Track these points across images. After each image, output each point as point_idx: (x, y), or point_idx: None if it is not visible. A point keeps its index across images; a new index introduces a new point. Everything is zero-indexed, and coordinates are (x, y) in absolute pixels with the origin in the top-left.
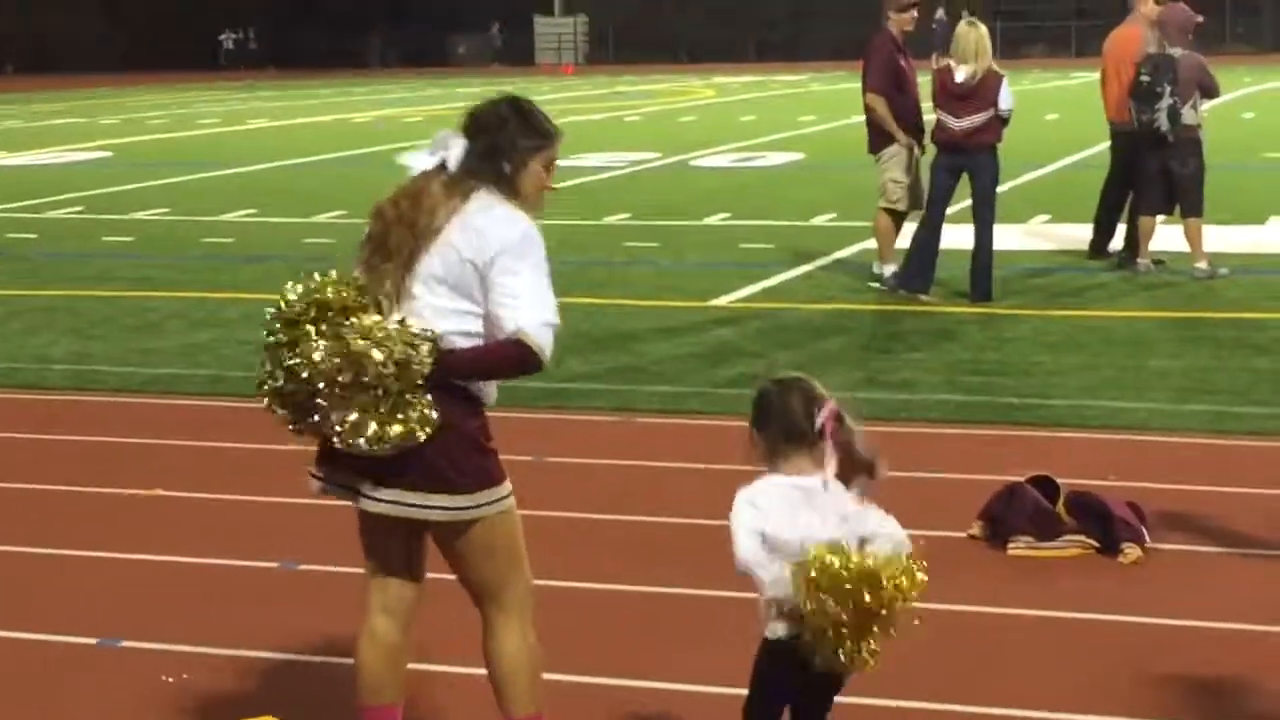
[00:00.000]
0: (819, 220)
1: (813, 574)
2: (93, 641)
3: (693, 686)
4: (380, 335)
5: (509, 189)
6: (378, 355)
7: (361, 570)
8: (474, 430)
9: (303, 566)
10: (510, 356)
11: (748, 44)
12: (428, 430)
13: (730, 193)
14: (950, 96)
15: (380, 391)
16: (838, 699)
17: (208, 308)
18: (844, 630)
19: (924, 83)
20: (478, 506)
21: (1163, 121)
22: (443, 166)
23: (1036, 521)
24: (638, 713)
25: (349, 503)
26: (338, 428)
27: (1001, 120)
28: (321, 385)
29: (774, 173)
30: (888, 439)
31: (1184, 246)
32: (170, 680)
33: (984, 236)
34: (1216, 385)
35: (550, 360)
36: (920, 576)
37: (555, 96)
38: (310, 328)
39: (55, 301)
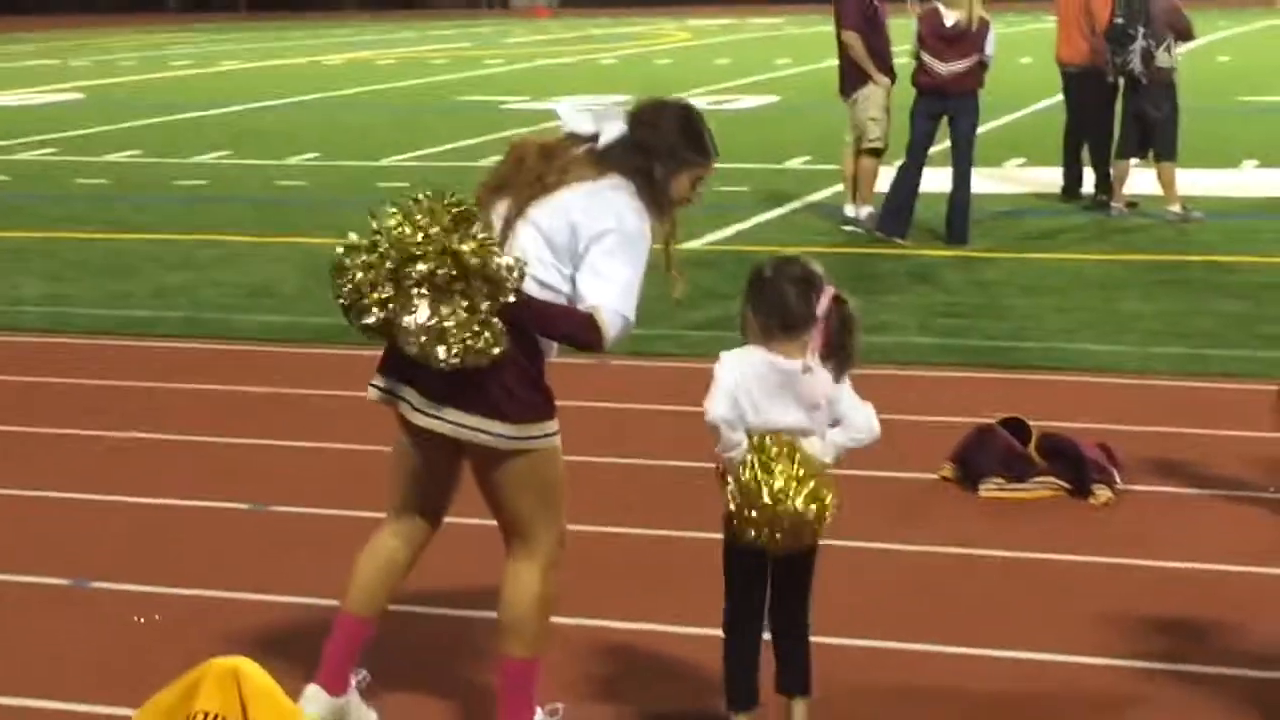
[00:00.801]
0: (793, 163)
1: (746, 477)
2: (65, 582)
3: (663, 626)
4: (486, 246)
5: (649, 188)
6: (475, 261)
7: (331, 511)
8: (534, 368)
9: (273, 508)
10: (577, 323)
11: None
12: (496, 352)
13: None
14: (939, 40)
15: (466, 301)
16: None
17: (181, 250)
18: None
19: (900, 24)
20: (524, 438)
21: (1136, 64)
22: (594, 137)
23: (1008, 463)
24: (605, 653)
25: (402, 414)
26: (418, 329)
27: (984, 66)
28: (421, 269)
29: (748, 115)
30: (861, 381)
31: (1158, 190)
32: (141, 621)
33: (962, 180)
34: (1188, 328)
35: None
36: (827, 503)
37: (530, 39)
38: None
39: (28, 244)
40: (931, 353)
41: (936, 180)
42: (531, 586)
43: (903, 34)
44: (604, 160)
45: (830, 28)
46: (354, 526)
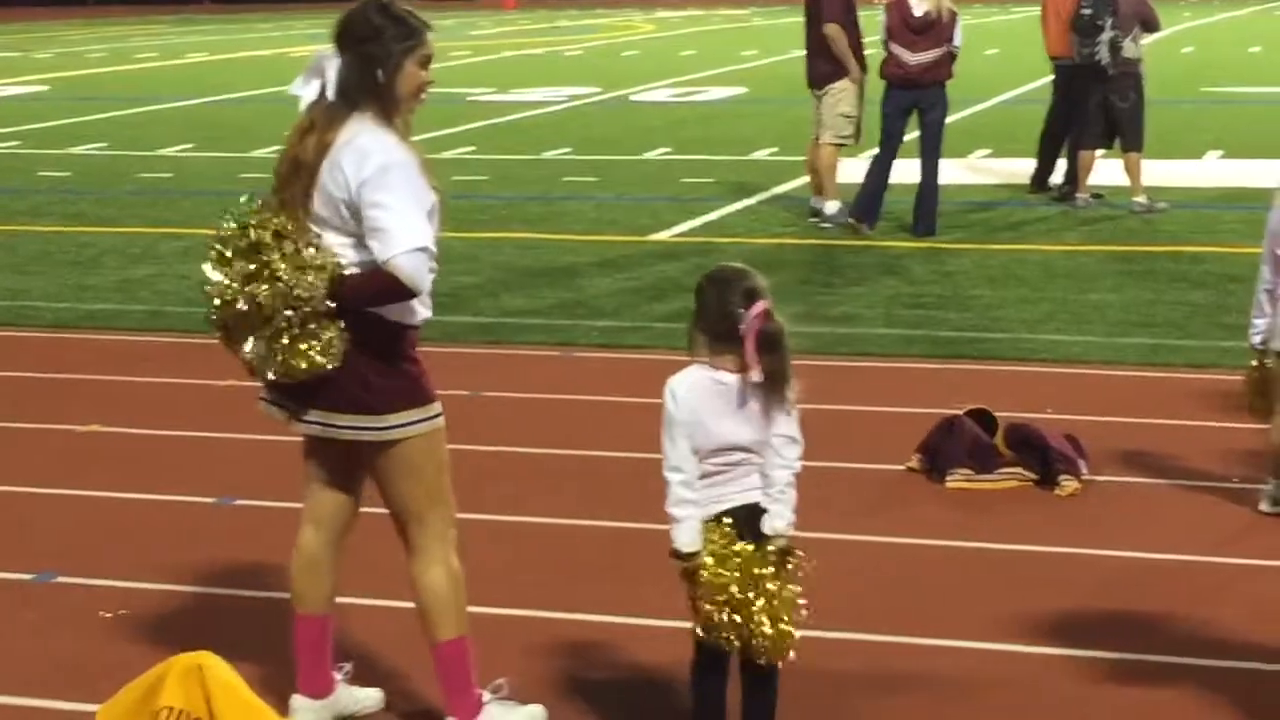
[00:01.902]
0: (759, 155)
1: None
2: (29, 577)
3: (629, 619)
4: (284, 267)
5: (386, 100)
6: (264, 288)
7: (297, 505)
8: (392, 352)
9: (239, 502)
10: (384, 287)
11: None
12: (333, 359)
13: (670, 128)
14: (908, 31)
15: (282, 322)
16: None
17: (144, 243)
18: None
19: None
20: (399, 426)
21: (1103, 55)
22: (323, 93)
23: (975, 454)
24: (573, 645)
25: (271, 416)
26: (247, 357)
27: (952, 56)
28: (236, 314)
29: (715, 107)
30: (828, 373)
31: (1123, 180)
32: (107, 615)
33: (930, 172)
34: (1154, 318)
35: (427, 285)
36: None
37: (495, 31)
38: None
39: None
40: (898, 344)
41: (904, 172)
42: (442, 568)
43: (870, 26)
44: (338, 108)
45: (797, 18)
46: None
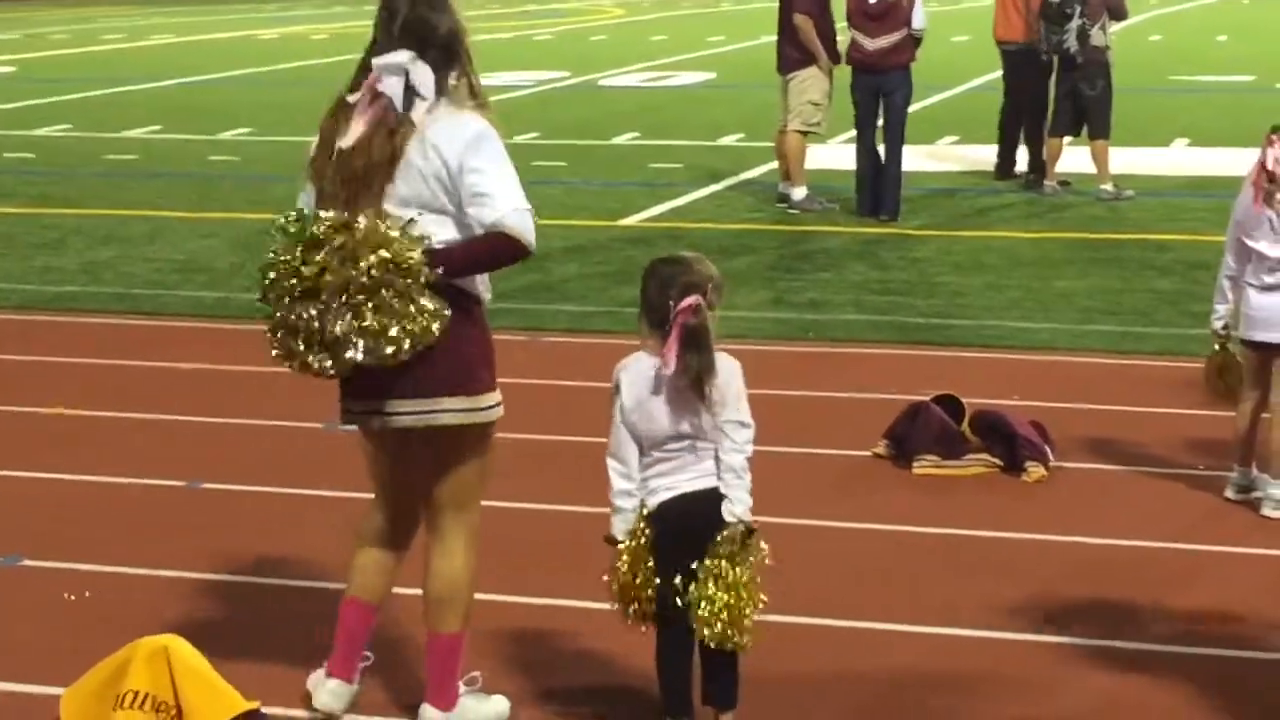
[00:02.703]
0: (727, 140)
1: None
2: None
3: (594, 604)
4: (377, 239)
5: (468, 85)
6: (376, 257)
7: (265, 489)
8: (481, 328)
9: (207, 485)
10: (496, 248)
11: None
12: (439, 325)
13: (639, 112)
14: (864, 16)
15: (388, 292)
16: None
17: (110, 225)
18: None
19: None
20: (493, 406)
21: (1071, 42)
22: (410, 92)
23: (941, 440)
24: (537, 630)
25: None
26: (356, 339)
27: (915, 40)
28: (333, 294)
29: (683, 92)
30: (794, 358)
31: (1090, 168)
32: (72, 598)
33: (894, 155)
34: (1121, 306)
35: (534, 243)
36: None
37: (465, 15)
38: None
39: None
40: (865, 330)
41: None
42: (465, 560)
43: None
44: (422, 100)
45: (766, 3)
46: (288, 503)
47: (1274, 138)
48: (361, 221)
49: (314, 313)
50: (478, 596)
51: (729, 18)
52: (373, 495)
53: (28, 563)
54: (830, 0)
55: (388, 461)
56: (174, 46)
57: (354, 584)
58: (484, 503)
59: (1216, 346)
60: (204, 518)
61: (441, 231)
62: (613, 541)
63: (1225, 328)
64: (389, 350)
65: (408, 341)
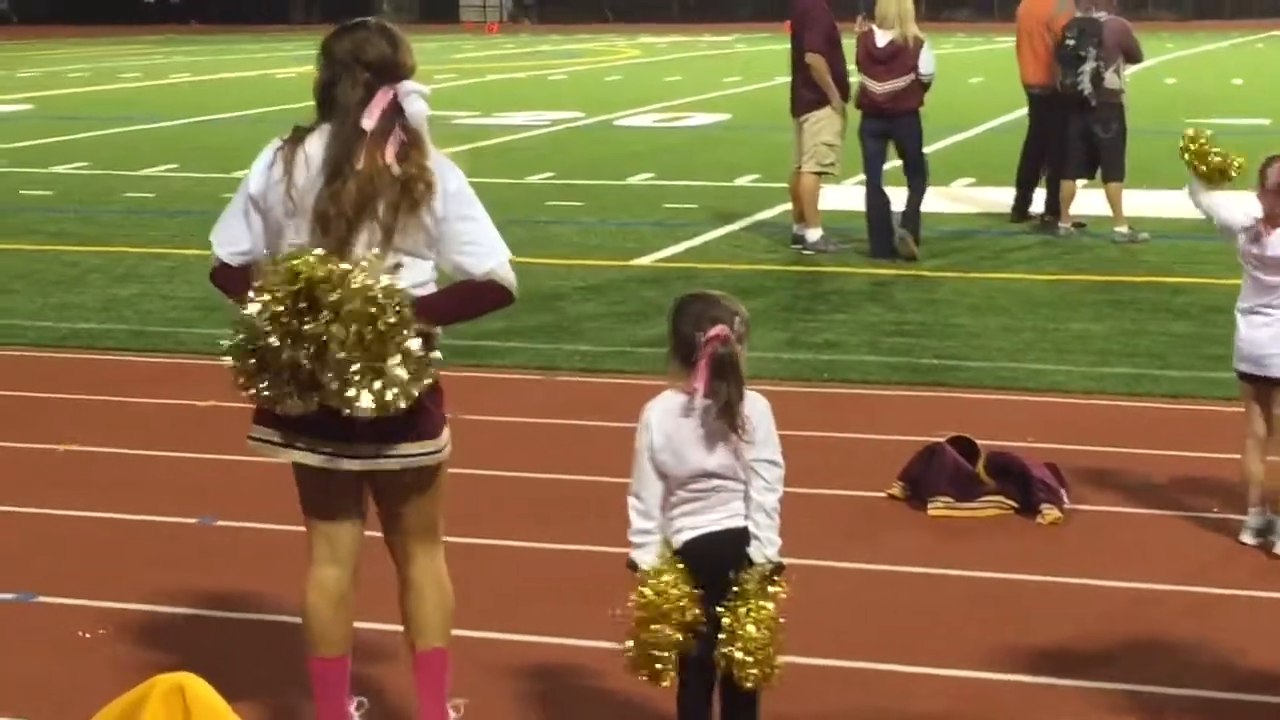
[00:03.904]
0: (742, 181)
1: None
2: (9, 596)
3: (611, 644)
4: (372, 295)
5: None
6: (391, 316)
7: (279, 526)
8: (436, 382)
9: (220, 522)
10: (486, 299)
11: (672, 4)
12: (435, 371)
13: (654, 153)
14: (872, 60)
15: (391, 348)
16: None
17: (128, 262)
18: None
19: (847, 45)
20: (446, 446)
21: (1086, 85)
22: (392, 121)
23: (956, 482)
24: (556, 669)
25: (300, 460)
26: (365, 394)
27: (923, 85)
28: (342, 353)
29: (698, 133)
30: (809, 400)
31: (1105, 210)
32: (86, 635)
33: (915, 199)
34: (1135, 349)
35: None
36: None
37: (479, 54)
38: (326, 299)
39: None
40: (880, 371)
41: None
42: (447, 580)
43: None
44: (415, 132)
45: (781, 45)
46: (302, 541)
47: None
48: (357, 273)
49: (306, 359)
50: (489, 636)
51: (744, 59)
52: (317, 546)
53: (42, 599)
54: (841, 39)
55: (342, 498)
56: (192, 85)
57: (322, 643)
58: (496, 541)
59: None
60: (218, 554)
61: (411, 275)
62: (635, 568)
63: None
64: (401, 401)
65: (415, 389)
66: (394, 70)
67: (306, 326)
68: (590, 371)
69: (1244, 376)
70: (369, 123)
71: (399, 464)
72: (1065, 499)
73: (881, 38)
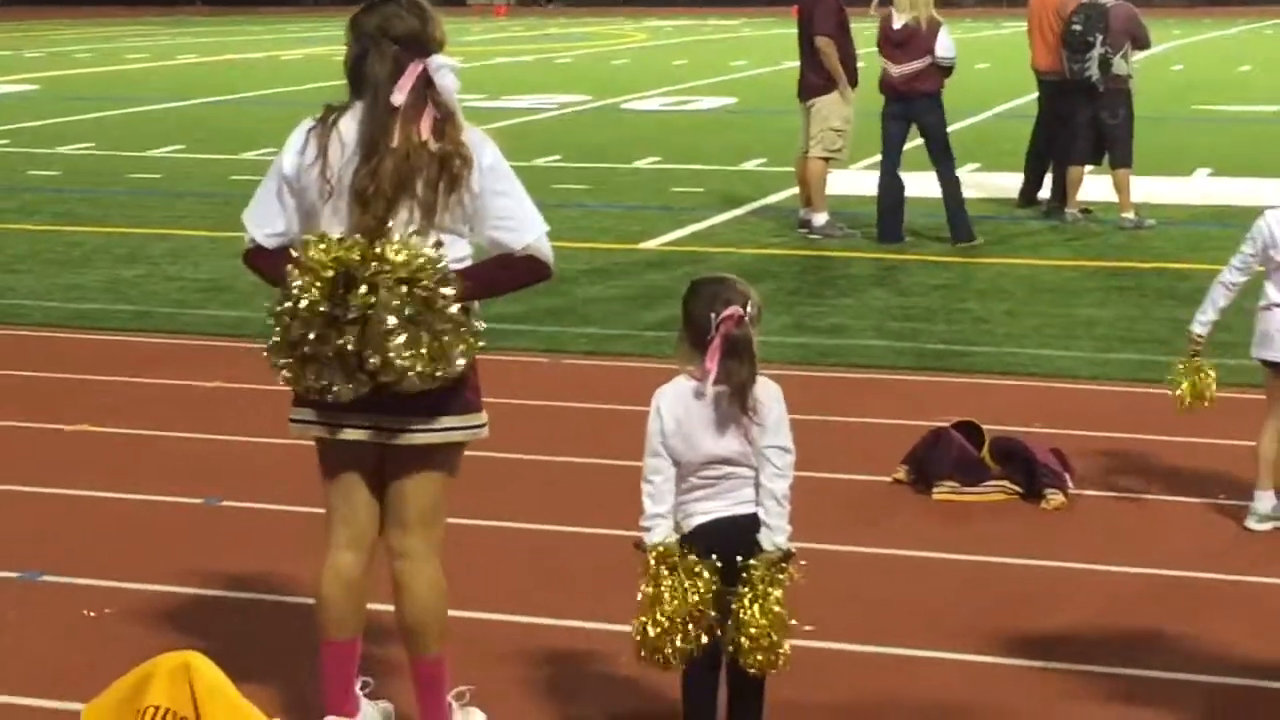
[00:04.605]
0: (749, 165)
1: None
2: (13, 575)
3: (616, 626)
4: (414, 266)
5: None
6: (432, 284)
7: (285, 507)
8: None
9: (226, 503)
10: (524, 273)
11: None
12: (480, 344)
13: (661, 136)
14: (888, 43)
15: (436, 318)
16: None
17: (133, 243)
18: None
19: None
20: (484, 426)
21: (1093, 71)
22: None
23: (961, 467)
24: (558, 651)
25: (348, 437)
26: (415, 364)
27: (940, 69)
28: (392, 323)
29: (705, 117)
30: (815, 383)
31: (1112, 196)
32: (92, 615)
33: (947, 180)
34: (1141, 335)
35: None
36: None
37: (486, 37)
38: (363, 276)
39: None
40: (886, 355)
41: (877, 184)
42: (440, 579)
43: (870, 39)
44: (448, 107)
45: (788, 29)
46: (308, 522)
47: None
48: (393, 249)
49: (352, 343)
50: (498, 618)
51: (751, 43)
52: (336, 530)
53: (48, 579)
54: (850, 25)
55: (365, 480)
56: (198, 66)
57: (336, 627)
58: (502, 524)
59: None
60: (223, 535)
61: (450, 253)
62: (643, 548)
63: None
64: (450, 370)
65: (462, 360)
66: (423, 44)
67: (350, 308)
68: (596, 355)
69: (1266, 363)
70: (399, 98)
71: (442, 437)
72: (1070, 484)
73: (897, 20)
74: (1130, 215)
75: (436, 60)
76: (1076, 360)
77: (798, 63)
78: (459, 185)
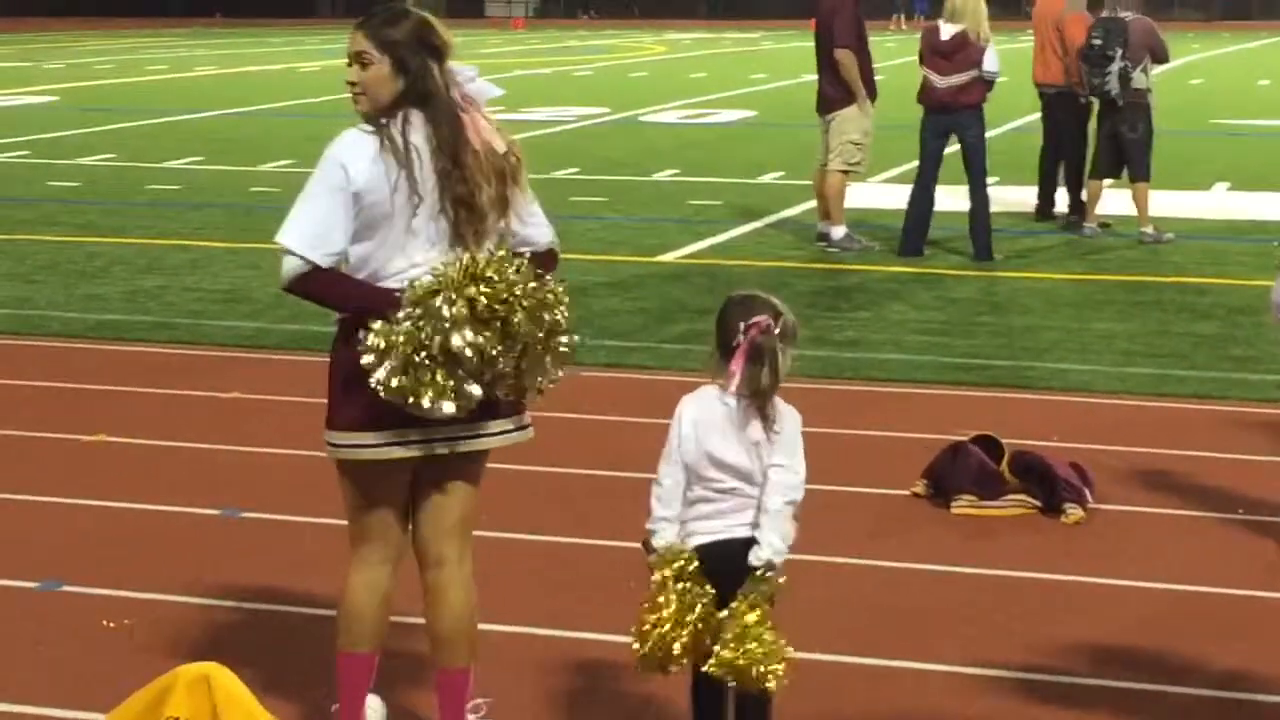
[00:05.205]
0: (767, 178)
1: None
2: (34, 585)
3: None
4: (542, 287)
5: None
6: (561, 313)
7: (302, 518)
8: None
9: (245, 514)
10: (551, 267)
11: (699, 1)
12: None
13: (679, 149)
14: (935, 54)
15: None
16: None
17: (152, 254)
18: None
19: (877, 42)
20: (531, 424)
21: (1113, 85)
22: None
23: (980, 481)
24: (573, 663)
25: (410, 454)
26: (538, 379)
27: (985, 82)
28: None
29: (724, 130)
30: (833, 397)
31: (1131, 210)
32: (111, 625)
33: (978, 195)
34: (1160, 349)
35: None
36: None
37: (504, 50)
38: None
39: None
40: (904, 369)
41: (895, 197)
42: (473, 591)
43: (894, 51)
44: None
45: (806, 43)
46: (327, 533)
47: None
48: (508, 266)
49: (504, 354)
50: (511, 630)
51: (770, 56)
52: (370, 547)
53: (67, 588)
54: (868, 38)
55: (402, 495)
56: (216, 78)
57: (361, 640)
58: (520, 535)
59: None
60: (242, 546)
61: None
62: (650, 549)
63: None
64: (557, 380)
65: (561, 370)
66: (446, 51)
67: (512, 337)
68: (614, 367)
69: None
70: (460, 104)
71: (517, 436)
72: (1089, 498)
73: (945, 31)
74: (1149, 229)
75: (461, 68)
76: (1095, 374)
77: (816, 76)
78: (519, 183)
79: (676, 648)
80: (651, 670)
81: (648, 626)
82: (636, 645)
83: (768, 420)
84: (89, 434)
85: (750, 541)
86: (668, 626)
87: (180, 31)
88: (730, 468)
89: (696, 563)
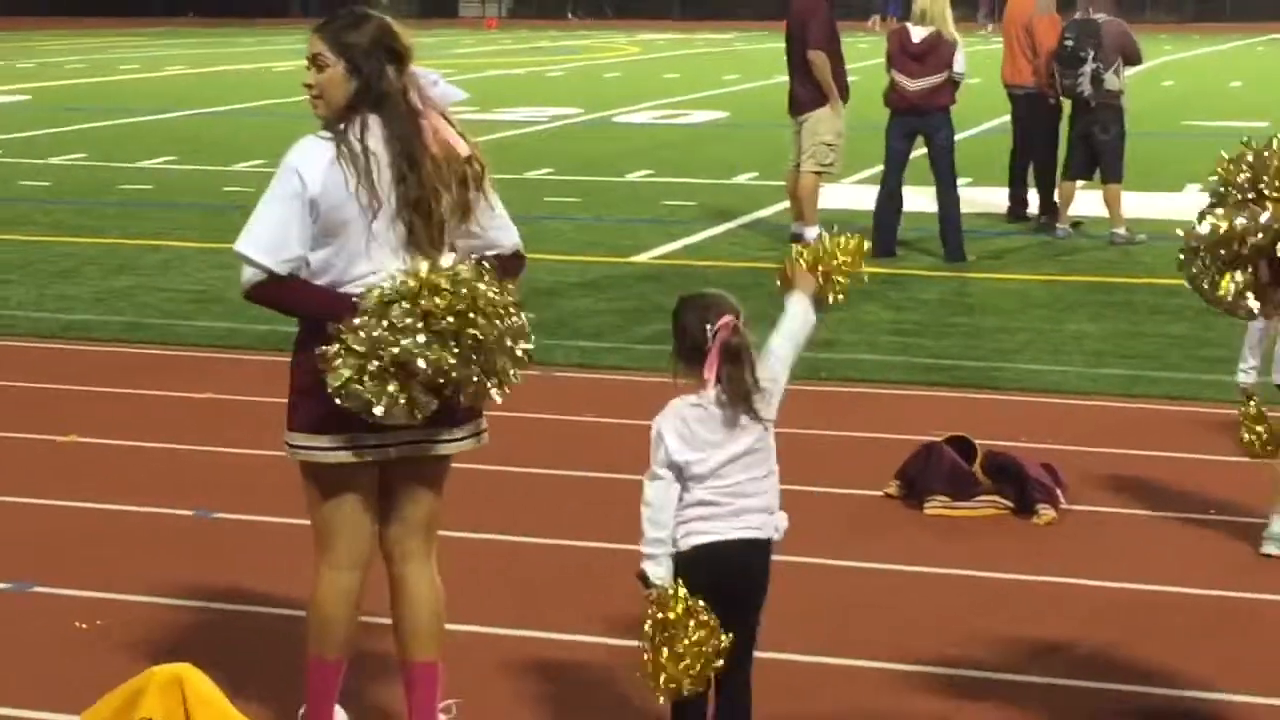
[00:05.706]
0: (740, 179)
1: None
2: (5, 586)
3: (602, 639)
4: (497, 289)
5: None
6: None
7: (274, 519)
8: None
9: (217, 515)
10: (517, 270)
11: (672, 1)
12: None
13: (652, 150)
14: (906, 56)
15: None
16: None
17: (124, 254)
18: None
19: (850, 43)
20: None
21: (1085, 86)
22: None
23: (953, 481)
24: (544, 664)
25: (369, 459)
26: (496, 378)
27: (954, 83)
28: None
29: (696, 130)
30: (806, 398)
31: (1103, 211)
32: (83, 626)
33: (947, 197)
34: (1132, 350)
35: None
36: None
37: (477, 50)
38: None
39: None
40: (877, 370)
41: (868, 198)
42: (439, 581)
43: (864, 53)
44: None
45: (778, 44)
46: (299, 533)
47: None
48: (465, 270)
49: (453, 360)
50: (486, 631)
51: (742, 57)
52: (337, 551)
53: (38, 590)
54: (840, 39)
55: (369, 498)
56: (189, 78)
57: (332, 646)
58: (491, 536)
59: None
60: (215, 547)
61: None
62: (646, 581)
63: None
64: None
65: (519, 371)
66: (408, 55)
67: (464, 337)
68: (587, 367)
69: None
70: (418, 108)
71: (472, 444)
72: (1061, 499)
73: (916, 34)
74: (1121, 230)
75: (423, 71)
76: (1067, 375)
77: (787, 77)
78: (482, 187)
79: (687, 681)
80: (671, 697)
81: (663, 673)
82: (652, 684)
83: (757, 414)
84: (61, 435)
85: (754, 544)
86: (682, 665)
87: (152, 31)
88: (740, 453)
89: (700, 601)
